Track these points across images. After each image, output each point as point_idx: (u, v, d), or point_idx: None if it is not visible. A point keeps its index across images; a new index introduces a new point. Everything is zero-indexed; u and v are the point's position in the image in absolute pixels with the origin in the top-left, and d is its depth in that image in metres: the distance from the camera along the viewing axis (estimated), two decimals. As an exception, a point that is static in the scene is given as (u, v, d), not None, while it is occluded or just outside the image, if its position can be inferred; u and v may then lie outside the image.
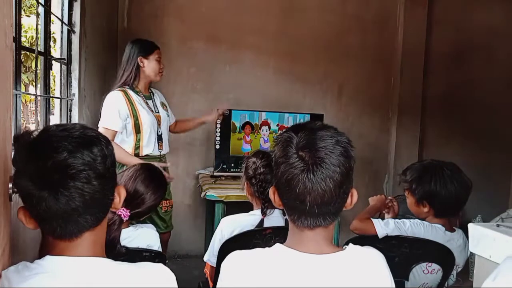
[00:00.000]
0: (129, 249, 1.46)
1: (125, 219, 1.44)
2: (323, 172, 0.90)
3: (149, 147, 2.49)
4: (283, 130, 1.00)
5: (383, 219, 1.75)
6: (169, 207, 2.63)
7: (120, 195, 0.94)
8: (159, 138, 2.55)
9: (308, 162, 0.90)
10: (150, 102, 2.57)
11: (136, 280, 0.88)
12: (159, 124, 2.55)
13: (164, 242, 2.22)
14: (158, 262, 1.01)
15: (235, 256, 0.97)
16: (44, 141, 0.84)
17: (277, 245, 0.97)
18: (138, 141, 2.46)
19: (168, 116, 2.67)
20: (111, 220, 1.40)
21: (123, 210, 1.44)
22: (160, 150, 2.56)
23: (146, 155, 2.49)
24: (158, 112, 2.58)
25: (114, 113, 2.39)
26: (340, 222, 2.93)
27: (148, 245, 1.60)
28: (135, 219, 1.58)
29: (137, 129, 2.45)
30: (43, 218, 0.84)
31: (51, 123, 2.35)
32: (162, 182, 1.72)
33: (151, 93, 2.62)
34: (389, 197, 2.02)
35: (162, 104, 2.66)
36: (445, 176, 1.66)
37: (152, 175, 1.67)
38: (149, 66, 2.50)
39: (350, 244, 0.98)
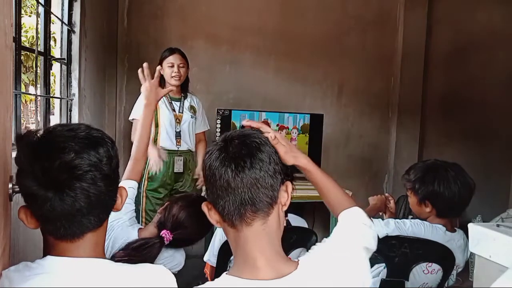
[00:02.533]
0: None
1: (166, 242, 1.42)
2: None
3: (165, 141, 2.78)
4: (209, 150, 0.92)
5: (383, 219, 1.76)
6: None
7: (122, 196, 0.93)
8: (177, 134, 2.81)
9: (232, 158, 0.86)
10: (177, 103, 2.85)
11: (136, 280, 0.88)
12: (178, 122, 2.82)
13: None
14: None
15: None
16: (51, 141, 0.83)
17: (223, 276, 0.86)
18: (156, 134, 2.77)
19: (192, 118, 2.88)
20: (152, 241, 1.37)
21: (167, 233, 1.42)
22: (178, 146, 2.83)
23: (163, 147, 2.77)
24: (182, 113, 2.84)
25: (140, 106, 2.69)
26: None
27: (172, 267, 1.57)
28: (169, 245, 1.55)
29: (156, 123, 2.75)
30: (47, 218, 0.83)
31: (51, 123, 2.35)
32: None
33: (183, 97, 2.90)
34: (386, 194, 2.01)
35: (190, 108, 2.91)
36: (449, 176, 1.66)
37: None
38: (164, 73, 2.73)
39: (301, 260, 0.87)
